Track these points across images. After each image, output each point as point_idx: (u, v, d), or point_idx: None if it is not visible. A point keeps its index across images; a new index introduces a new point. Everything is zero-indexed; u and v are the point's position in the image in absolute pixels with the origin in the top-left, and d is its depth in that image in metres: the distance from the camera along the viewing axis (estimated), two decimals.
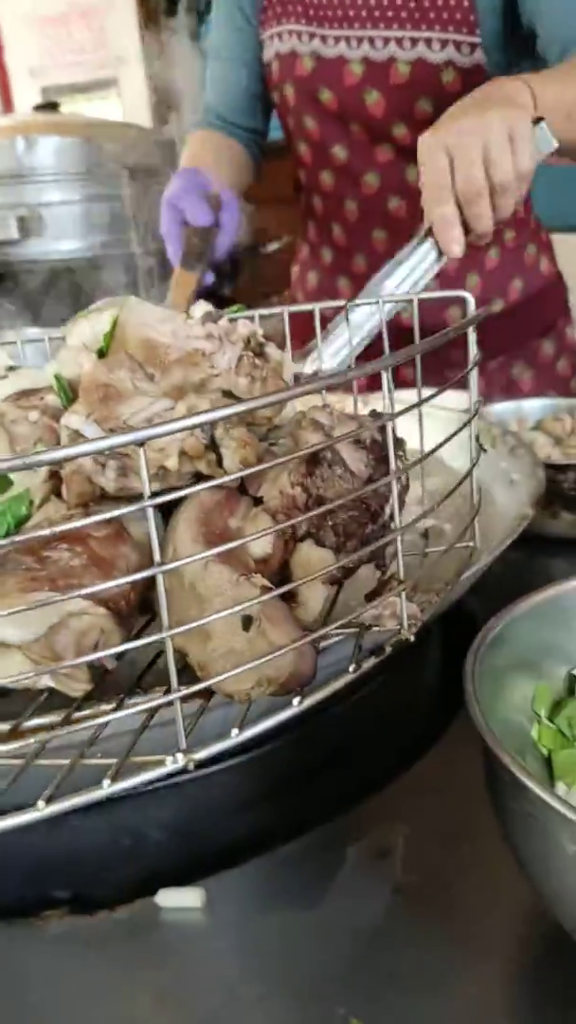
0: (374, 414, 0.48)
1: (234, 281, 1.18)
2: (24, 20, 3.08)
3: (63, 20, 3.07)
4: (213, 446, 0.42)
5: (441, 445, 0.43)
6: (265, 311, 0.57)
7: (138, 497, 0.43)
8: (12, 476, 0.44)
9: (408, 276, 0.79)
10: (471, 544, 0.51)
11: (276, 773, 0.52)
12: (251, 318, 0.55)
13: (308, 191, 1.28)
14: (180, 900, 0.45)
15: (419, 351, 0.40)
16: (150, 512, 0.31)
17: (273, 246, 2.35)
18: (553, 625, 0.47)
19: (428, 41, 1.08)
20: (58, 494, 0.44)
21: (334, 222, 1.25)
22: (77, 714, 0.39)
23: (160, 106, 3.21)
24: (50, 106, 1.84)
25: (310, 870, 0.47)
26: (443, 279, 1.20)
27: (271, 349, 0.48)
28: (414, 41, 1.09)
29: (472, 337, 0.48)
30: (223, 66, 1.29)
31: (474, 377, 0.49)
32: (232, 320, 0.48)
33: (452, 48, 1.08)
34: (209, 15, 4.17)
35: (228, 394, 0.43)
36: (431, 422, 0.53)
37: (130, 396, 0.42)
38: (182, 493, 0.34)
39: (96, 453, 0.33)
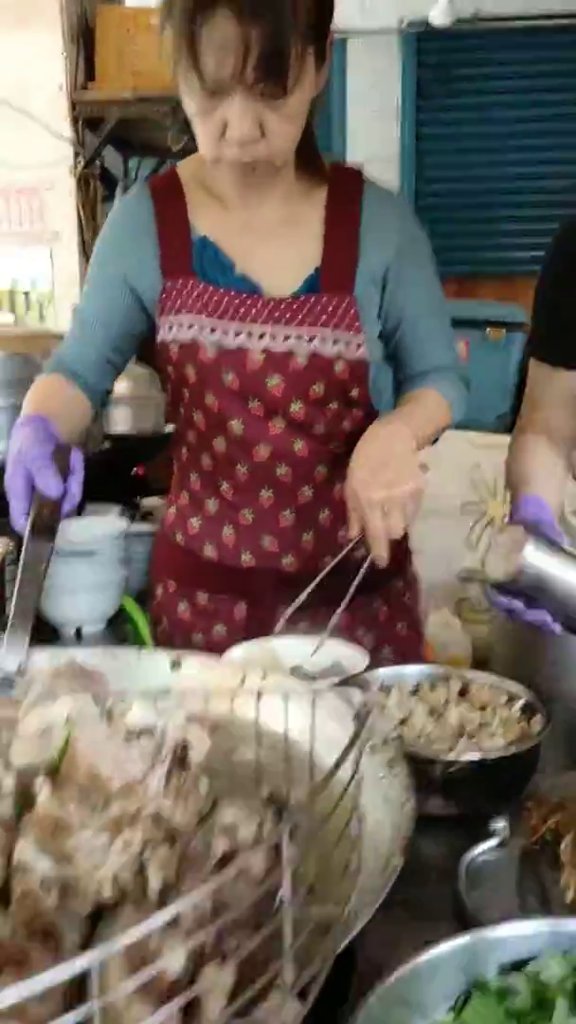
0: (279, 813, 0.58)
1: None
2: None
3: (3, 193, 3.27)
4: (140, 870, 0.51)
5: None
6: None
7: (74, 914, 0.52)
8: None
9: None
10: (346, 911, 0.61)
11: None
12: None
13: (196, 449, 1.38)
14: None
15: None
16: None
17: None
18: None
19: (322, 338, 1.27)
20: (2, 902, 0.52)
21: (223, 479, 1.37)
22: None
23: None
24: None
25: None
26: (320, 531, 1.38)
27: (193, 753, 0.58)
28: (310, 337, 1.27)
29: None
30: (88, 331, 1.37)
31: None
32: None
33: (342, 345, 1.28)
34: None
35: (156, 819, 0.53)
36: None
37: (76, 830, 0.51)
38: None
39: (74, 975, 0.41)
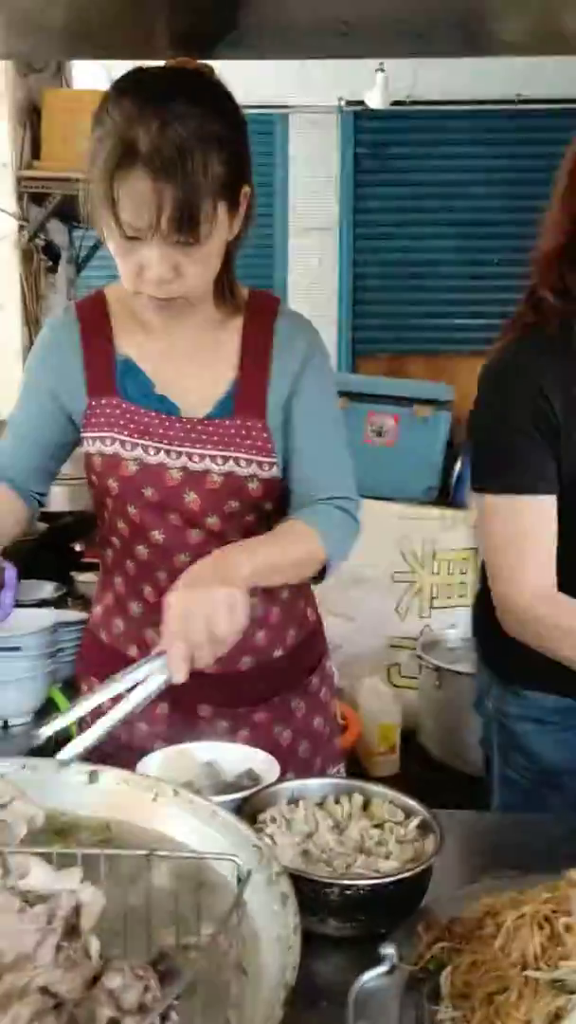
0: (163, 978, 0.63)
1: None
2: None
3: None
4: None
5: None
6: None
7: None
8: None
9: (141, 690, 1.10)
10: None
11: None
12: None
13: (120, 554, 1.44)
14: None
15: None
16: None
17: None
18: None
19: (236, 460, 1.35)
20: None
21: (146, 584, 1.43)
22: None
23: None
24: None
25: None
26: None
27: (84, 919, 0.63)
28: (225, 459, 1.34)
29: None
30: (20, 442, 1.42)
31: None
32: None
33: (256, 466, 1.35)
34: (88, 263, 4.53)
35: (45, 990, 0.58)
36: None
37: None
38: None
39: None
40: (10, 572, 1.21)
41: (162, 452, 1.34)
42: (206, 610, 1.10)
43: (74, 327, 1.39)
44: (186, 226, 1.15)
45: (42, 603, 2.19)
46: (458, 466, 3.31)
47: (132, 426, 1.35)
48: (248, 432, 1.35)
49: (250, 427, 1.35)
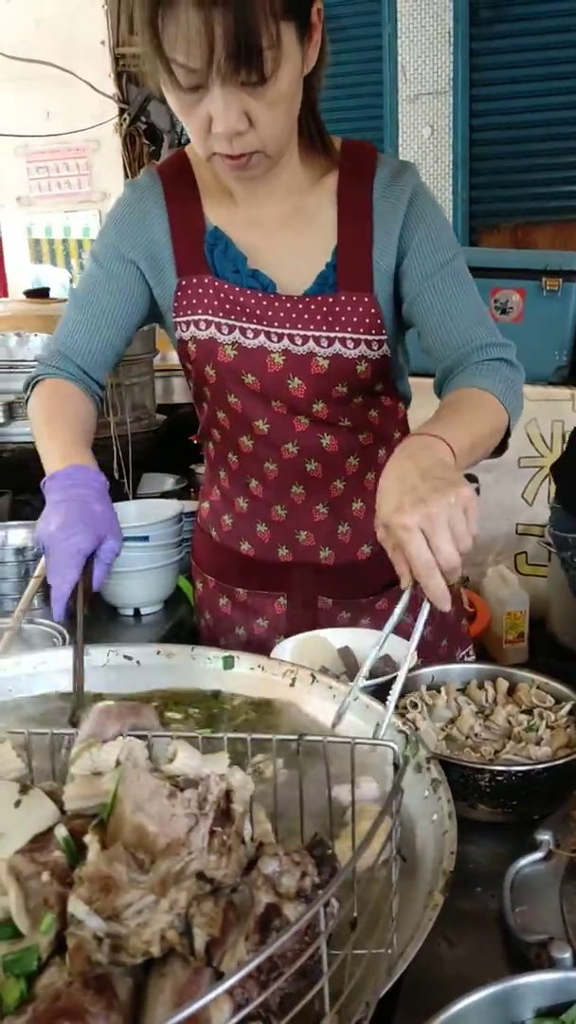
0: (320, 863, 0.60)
1: None
2: (15, 153, 3.25)
3: (52, 155, 3.24)
4: (187, 931, 0.54)
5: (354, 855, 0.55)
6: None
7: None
8: (21, 929, 0.56)
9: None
10: (390, 951, 0.63)
11: None
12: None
13: (223, 447, 1.36)
14: None
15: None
16: None
17: None
18: None
19: (343, 340, 1.22)
20: (60, 951, 0.55)
21: (252, 478, 1.35)
22: None
23: None
24: (41, 292, 1.99)
25: None
26: (355, 522, 1.36)
27: (236, 804, 0.60)
28: (330, 340, 1.22)
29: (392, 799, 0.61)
30: (91, 320, 1.28)
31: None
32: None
33: (364, 346, 1.23)
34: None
35: (201, 875, 0.55)
36: None
37: (124, 889, 0.53)
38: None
39: None
40: (114, 544, 1.13)
41: (262, 335, 1.22)
42: (445, 524, 0.86)
43: (158, 192, 1.25)
44: (246, 58, 0.97)
45: (164, 495, 2.19)
46: None
47: (228, 306, 1.22)
48: (354, 309, 1.21)
49: (356, 302, 1.21)
